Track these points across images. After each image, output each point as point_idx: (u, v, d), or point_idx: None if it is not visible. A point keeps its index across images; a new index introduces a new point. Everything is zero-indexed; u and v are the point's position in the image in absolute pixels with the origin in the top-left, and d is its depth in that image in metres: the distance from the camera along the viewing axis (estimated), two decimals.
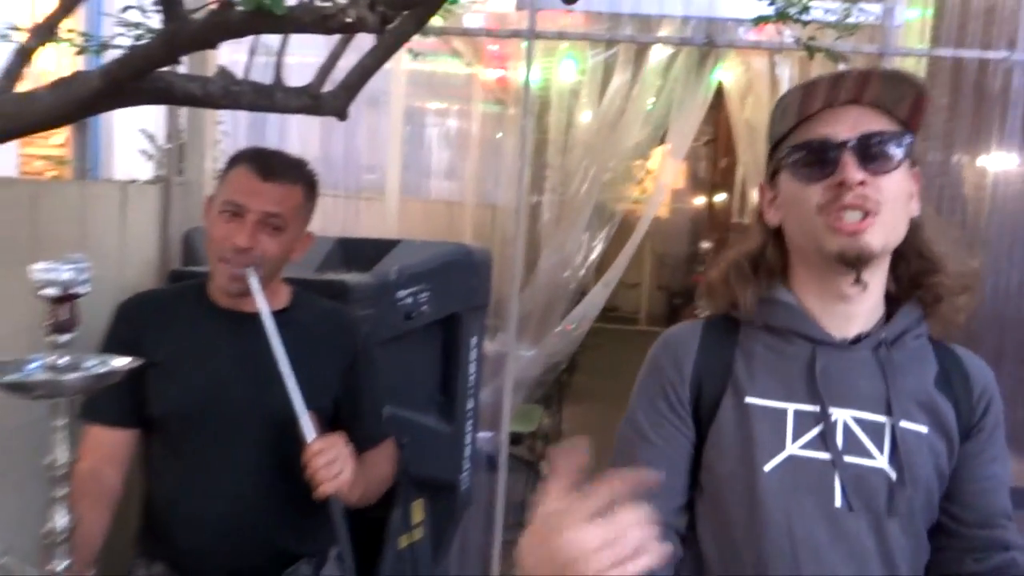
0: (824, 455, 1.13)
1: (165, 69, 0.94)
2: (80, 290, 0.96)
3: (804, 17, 2.04)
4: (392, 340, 2.39)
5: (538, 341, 3.34)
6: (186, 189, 2.58)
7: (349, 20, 0.85)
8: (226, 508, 1.62)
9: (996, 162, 3.34)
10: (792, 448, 1.14)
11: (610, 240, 3.52)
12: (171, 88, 0.91)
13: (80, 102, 0.87)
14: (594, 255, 3.44)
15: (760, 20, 2.14)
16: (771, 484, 1.14)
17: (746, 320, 1.23)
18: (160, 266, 2.47)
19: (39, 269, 0.94)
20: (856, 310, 1.18)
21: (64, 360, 0.96)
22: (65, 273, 0.95)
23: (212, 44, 0.95)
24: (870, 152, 1.11)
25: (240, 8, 0.85)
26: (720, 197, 12.65)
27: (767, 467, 1.14)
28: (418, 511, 2.60)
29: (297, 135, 4.18)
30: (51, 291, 0.95)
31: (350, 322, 1.83)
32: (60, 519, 0.96)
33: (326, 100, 1.06)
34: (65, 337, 0.98)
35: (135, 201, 2.36)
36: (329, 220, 4.46)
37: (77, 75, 0.88)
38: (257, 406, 1.62)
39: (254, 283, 1.50)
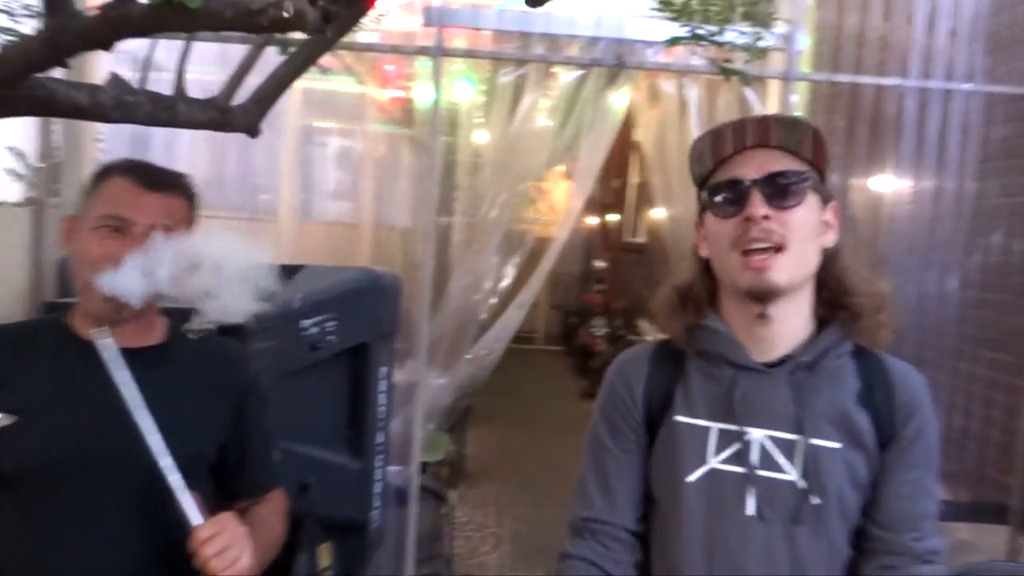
0: (740, 469, 1.26)
1: (44, 75, 0.79)
2: None
3: (719, 39, 2.01)
4: (296, 373, 2.24)
5: (449, 367, 3.23)
6: (62, 212, 2.35)
7: (286, 15, 0.72)
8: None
9: (888, 184, 3.47)
10: (713, 462, 1.28)
11: (522, 265, 3.45)
12: (53, 97, 0.76)
13: None
14: (506, 279, 3.36)
15: (674, 42, 2.11)
16: (692, 494, 1.28)
17: (683, 347, 1.36)
18: (31, 296, 2.24)
19: None
20: (777, 335, 1.28)
21: None
22: None
23: (107, 44, 0.80)
24: (775, 189, 1.22)
25: (144, 2, 0.72)
26: (613, 217, 12.89)
27: (689, 478, 1.28)
28: (325, 555, 2.44)
29: (186, 154, 3.94)
30: None
31: (237, 357, 1.63)
32: None
33: (236, 115, 0.93)
34: None
35: (2, 225, 2.13)
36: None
37: None
38: (132, 461, 1.37)
39: (109, 349, 1.28)
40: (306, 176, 4.80)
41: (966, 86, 3.17)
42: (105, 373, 1.33)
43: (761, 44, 2.28)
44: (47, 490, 1.38)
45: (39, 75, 0.76)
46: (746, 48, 2.22)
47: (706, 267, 1.34)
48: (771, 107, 3.68)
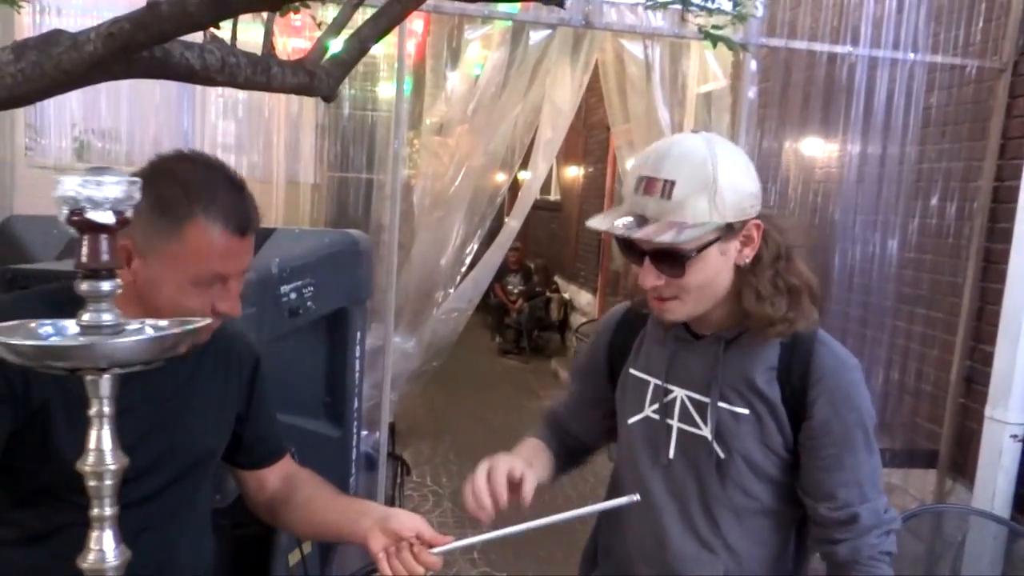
0: (668, 420, 1.46)
1: None
2: (127, 213, 0.72)
3: (709, 5, 2.03)
4: (276, 340, 2.17)
5: (415, 331, 3.19)
6: None
7: None
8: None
9: (838, 148, 3.58)
10: (647, 411, 1.49)
11: (487, 229, 3.41)
12: (168, 58, 0.69)
13: (66, 72, 0.64)
14: (463, 269, 3.31)
15: (655, 6, 2.11)
16: (631, 434, 1.52)
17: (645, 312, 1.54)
18: None
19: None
20: (708, 315, 1.42)
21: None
22: (86, 184, 0.69)
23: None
24: (664, 261, 1.32)
25: None
26: (524, 175, 12.87)
27: (630, 421, 1.52)
28: None
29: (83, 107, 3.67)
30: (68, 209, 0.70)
31: (241, 331, 1.56)
32: None
33: (320, 78, 0.88)
34: (107, 285, 0.74)
35: None
36: None
37: (59, 36, 0.65)
38: (167, 458, 1.34)
39: None
40: (212, 131, 4.59)
41: (911, 55, 3.30)
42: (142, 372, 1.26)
43: (740, 11, 2.30)
44: (71, 503, 1.28)
45: None
46: (730, 14, 2.23)
47: None
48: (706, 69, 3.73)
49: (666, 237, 1.26)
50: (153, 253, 1.23)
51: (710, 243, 1.30)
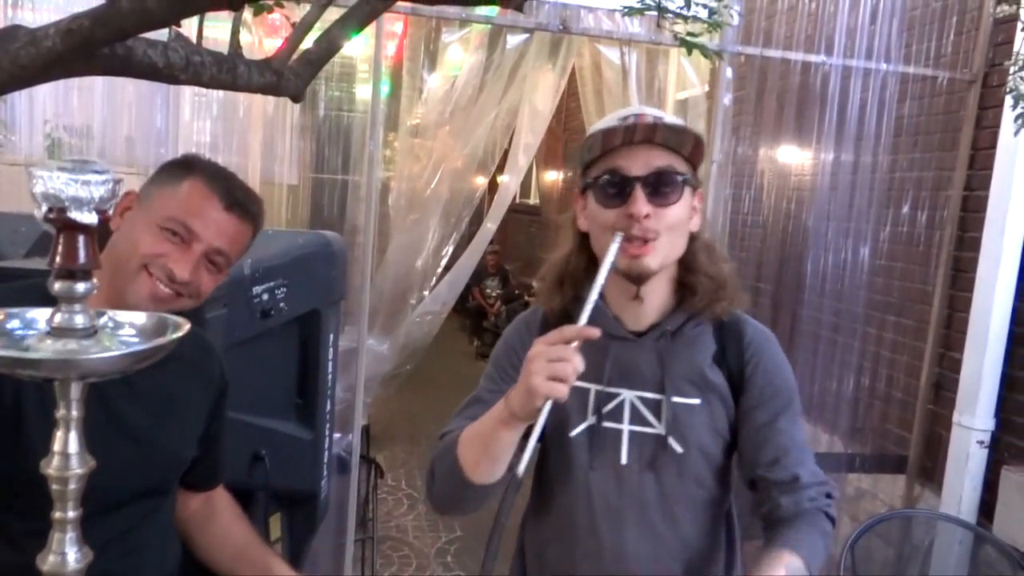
0: (616, 425, 1.43)
1: None
2: (108, 211, 0.71)
3: (685, 12, 2.04)
4: (247, 341, 2.15)
5: (389, 333, 3.17)
6: None
7: None
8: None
9: (811, 156, 3.62)
10: (592, 419, 1.44)
11: (463, 232, 3.41)
12: (131, 56, 0.68)
13: (23, 68, 0.62)
14: (439, 270, 3.30)
15: (632, 12, 2.12)
16: (575, 447, 1.45)
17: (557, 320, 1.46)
18: None
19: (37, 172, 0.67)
20: (648, 308, 1.44)
21: None
22: (71, 183, 0.67)
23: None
24: (657, 186, 1.33)
25: None
26: (503, 178, 12.88)
27: (572, 433, 1.45)
28: (276, 526, 2.40)
29: (73, 107, 3.65)
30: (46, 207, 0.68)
31: (213, 346, 1.57)
32: None
33: (288, 78, 0.88)
34: (82, 287, 0.71)
35: None
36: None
37: (17, 31, 0.63)
38: (140, 469, 1.34)
39: None
40: (187, 130, 4.56)
41: (884, 65, 3.34)
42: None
43: (716, 19, 2.31)
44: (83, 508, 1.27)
45: None
46: (705, 21, 2.24)
47: (584, 239, 1.46)
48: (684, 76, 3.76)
49: (662, 162, 1.33)
50: (147, 200, 1.32)
51: (689, 182, 1.38)
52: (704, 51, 2.20)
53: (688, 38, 2.11)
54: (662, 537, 1.43)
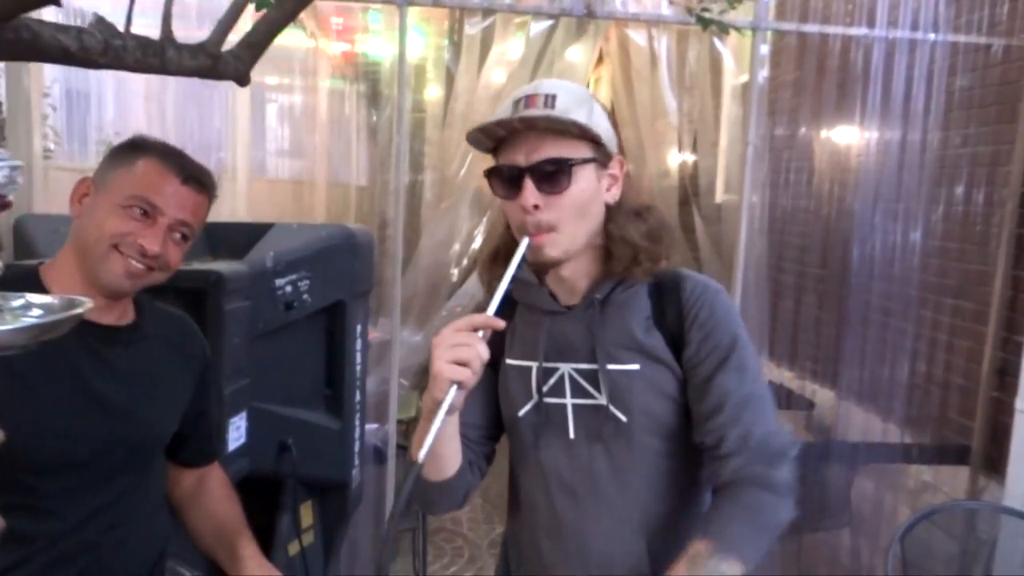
0: (560, 400, 1.40)
1: (32, 15, 0.74)
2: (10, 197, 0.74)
3: None
4: (272, 333, 2.20)
5: (423, 325, 3.20)
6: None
7: None
8: (82, 548, 1.37)
9: (854, 135, 3.49)
10: (536, 397, 1.42)
11: (492, 221, 3.40)
12: (38, 39, 0.70)
13: None
14: (479, 234, 3.30)
15: None
16: (524, 425, 1.44)
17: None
18: None
19: None
20: (576, 281, 1.41)
21: None
22: None
23: None
24: (543, 175, 1.28)
25: None
26: None
27: (520, 412, 1.44)
28: (307, 514, 2.44)
29: (139, 111, 3.81)
30: None
31: (195, 329, 1.65)
32: None
33: (227, 61, 0.89)
34: None
35: None
36: None
37: None
38: (134, 439, 1.42)
39: None
40: (259, 133, 4.69)
41: (931, 36, 3.19)
42: (101, 352, 1.34)
43: None
44: (63, 482, 1.34)
45: (25, 16, 0.71)
46: None
47: None
48: (743, 58, 3.67)
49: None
50: (103, 184, 1.38)
51: (589, 160, 1.32)
52: (721, 26, 2.15)
53: (702, 14, 2.07)
54: (620, 510, 1.39)
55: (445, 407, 1.16)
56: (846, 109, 3.36)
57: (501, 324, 1.22)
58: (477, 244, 3.43)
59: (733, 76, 3.95)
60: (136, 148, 1.40)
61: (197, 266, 2.07)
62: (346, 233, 2.41)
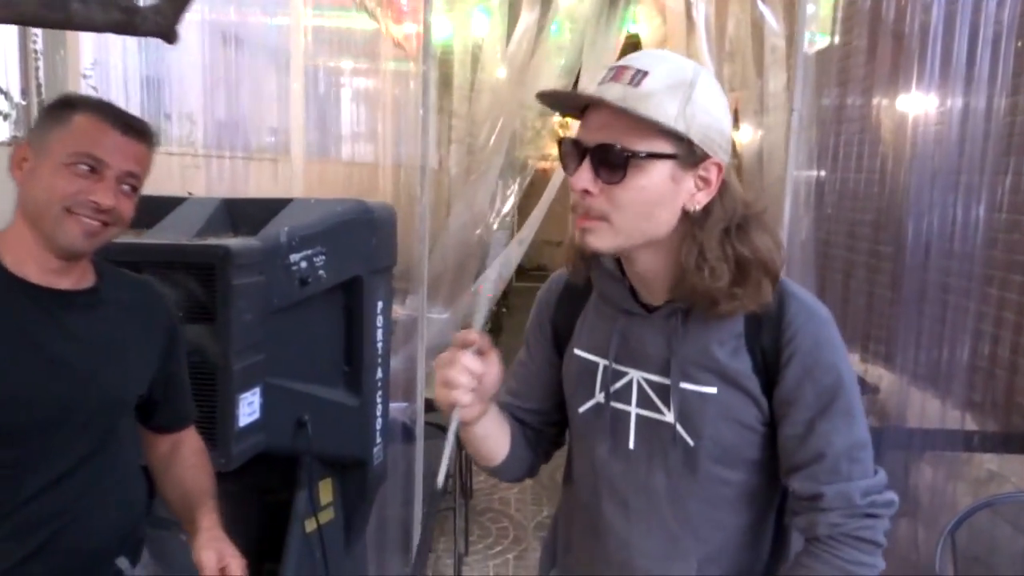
0: (625, 406, 1.30)
1: None
2: None
3: None
4: (288, 309, 2.19)
5: (451, 303, 3.16)
6: None
7: None
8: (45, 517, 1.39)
9: (912, 104, 3.28)
10: (599, 396, 1.33)
11: (523, 195, 3.33)
12: None
13: None
14: (506, 209, 3.24)
15: None
16: (583, 423, 1.36)
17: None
18: None
19: None
20: (654, 280, 1.26)
21: None
22: None
23: None
24: (601, 161, 1.15)
25: None
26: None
27: (581, 409, 1.35)
28: (326, 491, 2.43)
29: (187, 93, 3.86)
30: None
31: (161, 294, 1.65)
32: None
33: (146, 16, 0.85)
34: None
35: None
36: (240, 182, 4.17)
37: None
38: (96, 403, 1.44)
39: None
40: (319, 115, 4.73)
41: None
42: (57, 316, 1.34)
43: None
44: (20, 449, 1.35)
45: None
46: None
47: None
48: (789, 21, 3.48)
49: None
50: (41, 145, 1.37)
51: (663, 156, 1.14)
52: None
53: None
54: (672, 534, 1.29)
55: (452, 432, 1.16)
56: (902, 77, 3.15)
57: (474, 339, 1.18)
58: (507, 210, 3.33)
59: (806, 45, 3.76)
60: (68, 105, 1.38)
61: (208, 241, 2.07)
62: (363, 208, 2.38)
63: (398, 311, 3.03)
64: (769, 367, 1.23)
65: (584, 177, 1.16)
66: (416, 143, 2.79)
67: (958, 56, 3.01)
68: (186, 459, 1.66)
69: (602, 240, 1.19)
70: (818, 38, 3.90)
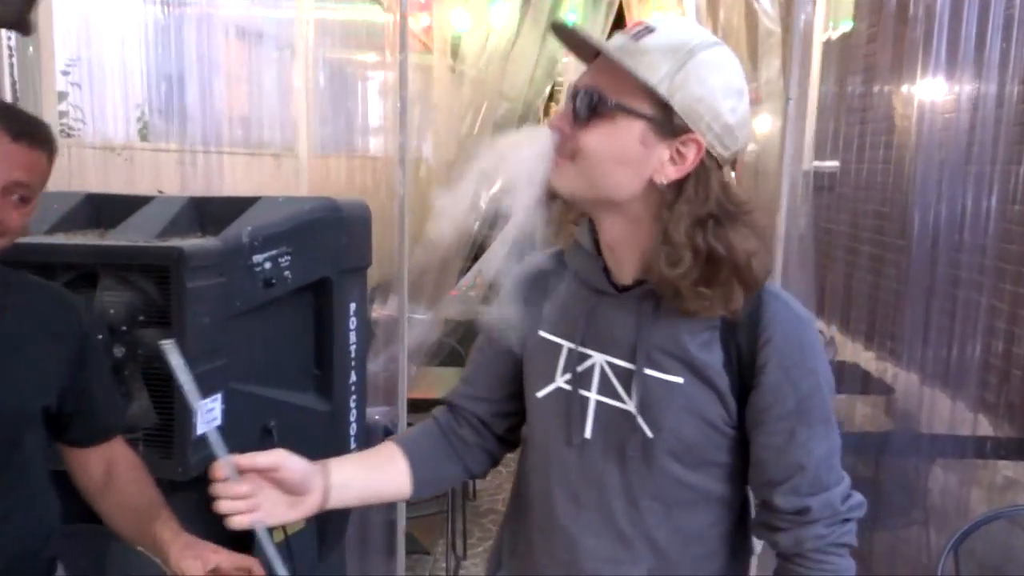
0: (584, 392, 1.23)
1: None
2: None
3: None
4: (252, 311, 2.11)
5: (436, 302, 3.07)
6: None
7: None
8: None
9: (920, 92, 3.13)
10: (559, 381, 1.26)
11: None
12: None
13: None
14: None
15: None
16: (540, 409, 1.30)
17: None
18: None
19: None
20: (621, 255, 1.21)
21: None
22: None
23: None
24: (577, 103, 1.14)
25: None
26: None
27: (539, 394, 1.29)
28: None
29: (186, 89, 3.80)
30: None
31: (73, 303, 1.57)
32: None
33: None
34: None
35: None
36: (242, 178, 4.13)
37: None
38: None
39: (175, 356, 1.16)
40: (330, 109, 4.67)
41: None
42: None
43: None
44: None
45: None
46: None
47: None
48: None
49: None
50: None
51: (634, 112, 1.10)
52: None
53: None
54: (625, 536, 1.23)
55: (269, 544, 1.25)
56: (905, 61, 3.00)
57: (221, 475, 1.17)
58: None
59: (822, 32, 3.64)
60: None
61: (161, 244, 2.00)
62: (332, 207, 2.31)
63: (381, 312, 2.95)
64: (743, 369, 1.17)
65: (563, 114, 1.15)
66: (395, 136, 2.70)
67: (966, 41, 2.85)
68: (124, 476, 1.58)
69: (563, 178, 1.15)
70: (842, 24, 3.78)
